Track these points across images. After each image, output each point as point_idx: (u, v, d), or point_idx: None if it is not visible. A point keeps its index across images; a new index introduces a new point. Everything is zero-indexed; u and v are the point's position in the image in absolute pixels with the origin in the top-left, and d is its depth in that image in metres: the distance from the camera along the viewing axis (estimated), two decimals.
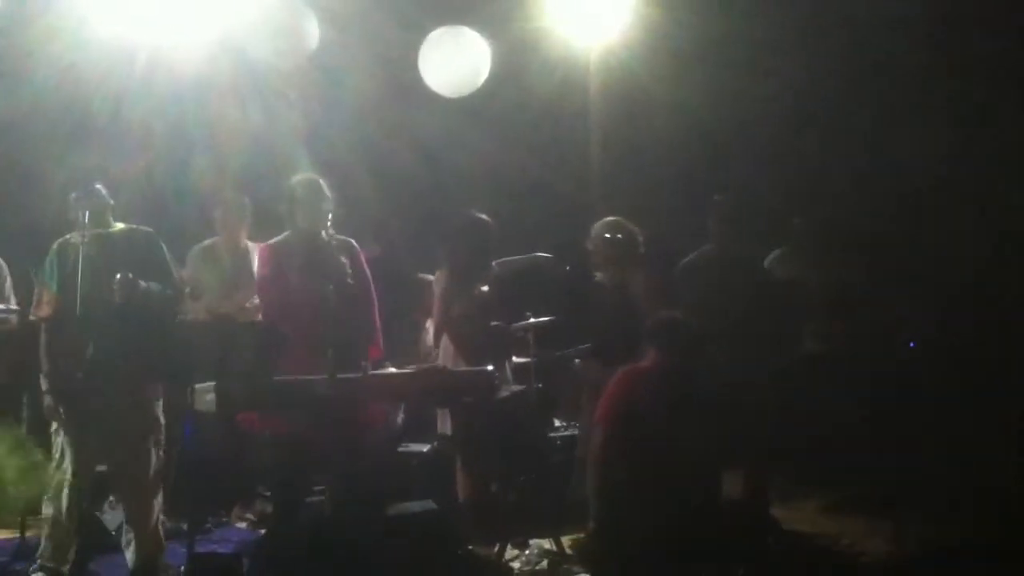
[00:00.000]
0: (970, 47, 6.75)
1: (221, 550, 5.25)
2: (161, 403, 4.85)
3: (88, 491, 4.77)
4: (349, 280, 5.10)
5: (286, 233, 5.21)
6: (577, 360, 5.92)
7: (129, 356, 4.61)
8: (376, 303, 5.30)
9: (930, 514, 5.69)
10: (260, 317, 5.60)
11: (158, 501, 4.83)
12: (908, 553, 5.35)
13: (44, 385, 4.71)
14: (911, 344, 6.66)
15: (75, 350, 4.53)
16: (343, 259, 5.15)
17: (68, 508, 4.61)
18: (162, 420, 4.84)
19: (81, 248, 4.50)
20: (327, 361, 4.65)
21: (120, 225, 4.84)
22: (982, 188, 6.82)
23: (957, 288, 6.76)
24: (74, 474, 4.61)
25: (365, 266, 5.29)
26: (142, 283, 4.60)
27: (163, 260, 4.88)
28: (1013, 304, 6.65)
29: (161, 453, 4.83)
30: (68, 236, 4.75)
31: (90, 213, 4.61)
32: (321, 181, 5.19)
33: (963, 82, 6.84)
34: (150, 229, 4.93)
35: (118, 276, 4.48)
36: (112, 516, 5.22)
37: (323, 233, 5.11)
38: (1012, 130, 6.70)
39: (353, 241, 5.29)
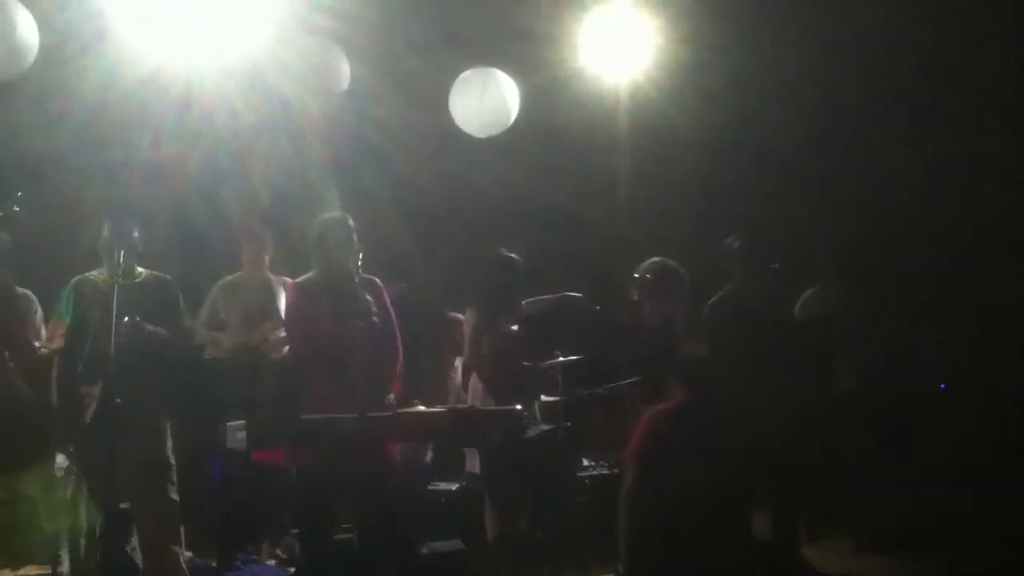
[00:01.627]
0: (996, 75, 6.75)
1: None
2: (170, 445, 4.85)
3: (112, 528, 4.75)
4: (375, 319, 5.11)
5: (314, 271, 5.23)
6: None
7: (136, 399, 4.58)
8: (400, 341, 5.32)
9: (960, 553, 5.63)
10: (285, 350, 5.64)
11: (178, 544, 4.82)
12: None
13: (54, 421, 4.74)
14: (942, 386, 6.61)
15: (83, 391, 4.58)
16: (368, 297, 5.14)
17: (86, 547, 4.64)
18: (172, 461, 4.84)
19: (116, 290, 4.51)
20: (353, 399, 4.69)
21: (143, 272, 4.87)
22: (1010, 214, 6.77)
23: (981, 320, 6.71)
24: (88, 512, 4.64)
25: (389, 304, 5.30)
26: (148, 327, 4.63)
27: (175, 308, 4.92)
28: None
29: (175, 496, 4.82)
30: (90, 273, 4.81)
31: (124, 254, 4.66)
32: (350, 220, 5.19)
33: (986, 107, 6.82)
34: (168, 277, 4.97)
35: (125, 319, 4.49)
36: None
37: (353, 272, 5.12)
38: None
39: (377, 279, 5.29)
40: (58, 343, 4.81)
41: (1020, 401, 6.42)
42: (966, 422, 6.35)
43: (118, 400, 4.46)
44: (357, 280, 5.06)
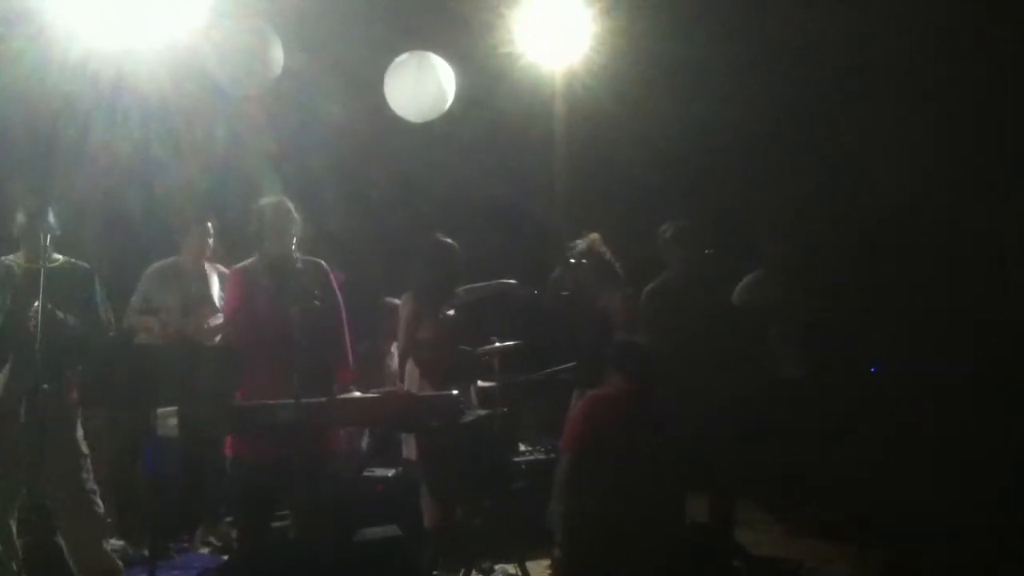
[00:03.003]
0: (943, 68, 6.84)
1: None
2: (81, 434, 4.77)
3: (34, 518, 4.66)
4: (316, 303, 5.08)
5: (254, 256, 5.19)
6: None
7: (43, 386, 4.46)
8: (347, 325, 5.28)
9: (894, 539, 5.73)
10: (218, 338, 5.59)
11: (101, 533, 4.77)
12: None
13: None
14: (873, 369, 6.72)
15: None
16: (311, 281, 5.14)
17: (4, 538, 4.56)
18: (86, 451, 4.76)
19: (43, 273, 4.43)
20: (292, 385, 4.64)
21: (59, 258, 4.79)
22: (956, 211, 6.88)
23: (927, 311, 6.82)
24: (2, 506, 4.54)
25: (336, 288, 5.27)
26: (59, 314, 4.56)
27: (91, 298, 4.86)
28: (986, 328, 6.70)
29: (93, 485, 4.75)
30: (5, 257, 4.74)
31: (48, 238, 4.57)
32: (289, 204, 5.16)
33: (934, 101, 6.92)
34: (86, 265, 4.91)
35: (35, 304, 4.41)
36: None
37: (291, 256, 5.10)
38: (989, 150, 6.78)
39: (323, 262, 5.27)
40: None
41: (955, 385, 6.54)
42: (901, 407, 6.46)
43: (44, 386, 4.38)
44: (297, 264, 5.06)
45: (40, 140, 6.07)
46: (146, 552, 4.97)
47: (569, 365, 5.79)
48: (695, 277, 5.84)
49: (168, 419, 4.76)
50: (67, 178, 5.69)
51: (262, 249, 5.13)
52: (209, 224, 6.17)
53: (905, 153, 6.91)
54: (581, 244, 5.81)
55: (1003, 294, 6.70)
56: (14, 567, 4.57)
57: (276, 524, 5.33)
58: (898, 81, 6.99)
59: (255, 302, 5.07)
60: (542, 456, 6.13)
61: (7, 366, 4.51)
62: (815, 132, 7.23)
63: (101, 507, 4.77)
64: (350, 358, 5.28)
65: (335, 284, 5.27)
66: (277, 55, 6.18)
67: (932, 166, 6.86)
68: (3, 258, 4.74)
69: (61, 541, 4.79)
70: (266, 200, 5.20)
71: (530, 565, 5.34)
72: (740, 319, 6.05)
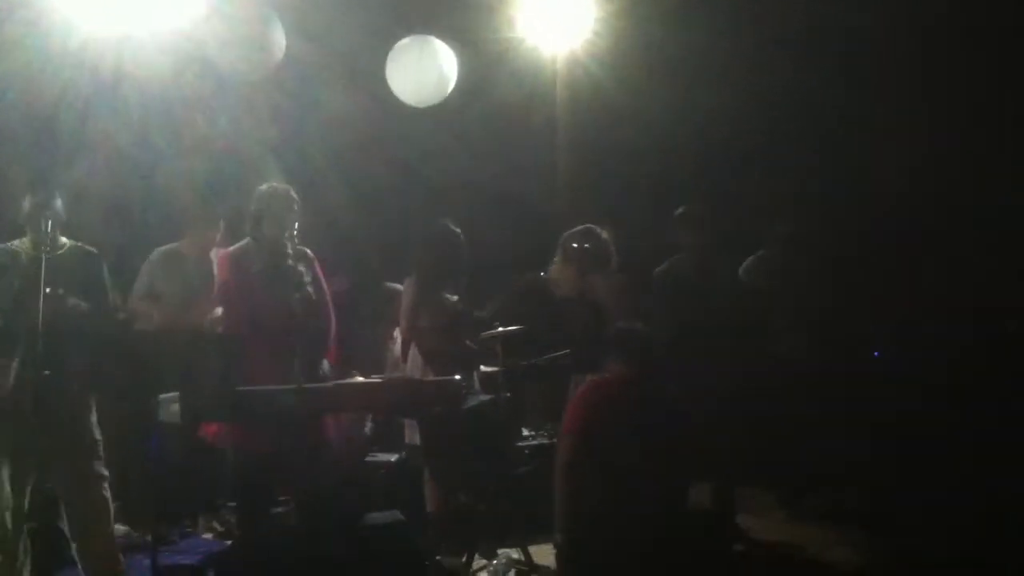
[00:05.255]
0: (942, 60, 6.82)
1: (186, 561, 5.22)
2: (95, 420, 4.76)
3: (40, 506, 4.69)
4: (308, 288, 5.11)
5: (247, 240, 5.17)
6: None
7: (57, 374, 4.49)
8: (332, 311, 5.30)
9: (897, 524, 5.73)
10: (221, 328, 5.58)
11: (108, 521, 4.74)
12: (874, 563, 5.39)
13: None
14: (875, 354, 6.71)
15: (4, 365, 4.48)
16: (301, 268, 5.16)
17: (13, 525, 4.52)
18: (98, 437, 4.75)
19: (44, 260, 4.45)
20: (291, 371, 4.65)
21: (66, 243, 4.76)
22: (955, 201, 6.87)
23: (926, 300, 6.81)
24: (13, 492, 4.51)
25: (321, 276, 5.28)
26: (71, 301, 4.54)
27: (100, 283, 4.81)
28: (983, 316, 6.70)
29: (103, 471, 4.74)
30: (11, 243, 4.69)
31: (51, 224, 4.57)
32: (292, 191, 5.16)
33: (933, 92, 6.90)
34: (93, 250, 4.86)
35: (47, 291, 4.41)
36: None
37: (286, 243, 5.10)
38: (987, 140, 6.77)
39: (308, 251, 5.27)
40: None
41: (954, 369, 6.54)
42: (901, 391, 6.45)
43: (47, 373, 4.39)
44: (291, 251, 5.07)
45: (41, 127, 6.09)
46: (148, 538, 4.95)
47: (563, 352, 5.79)
48: (703, 261, 5.85)
49: (171, 405, 4.75)
50: (68, 164, 5.69)
51: (257, 233, 5.12)
52: (217, 211, 6.15)
53: (911, 138, 6.88)
54: (577, 229, 5.81)
55: (1005, 282, 6.69)
56: (21, 552, 4.56)
57: (277, 509, 5.36)
58: (903, 66, 6.96)
59: (249, 287, 5.07)
60: (545, 441, 6.13)
61: (19, 354, 4.48)
62: (819, 117, 7.20)
63: (108, 493, 4.76)
64: (333, 347, 5.33)
65: (320, 272, 5.29)
66: (279, 40, 6.15)
67: (937, 153, 6.84)
68: (9, 244, 4.71)
69: (64, 527, 4.83)
70: (270, 185, 5.19)
71: (533, 550, 5.36)
72: (746, 304, 6.03)
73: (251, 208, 5.15)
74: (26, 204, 4.67)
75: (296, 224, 5.13)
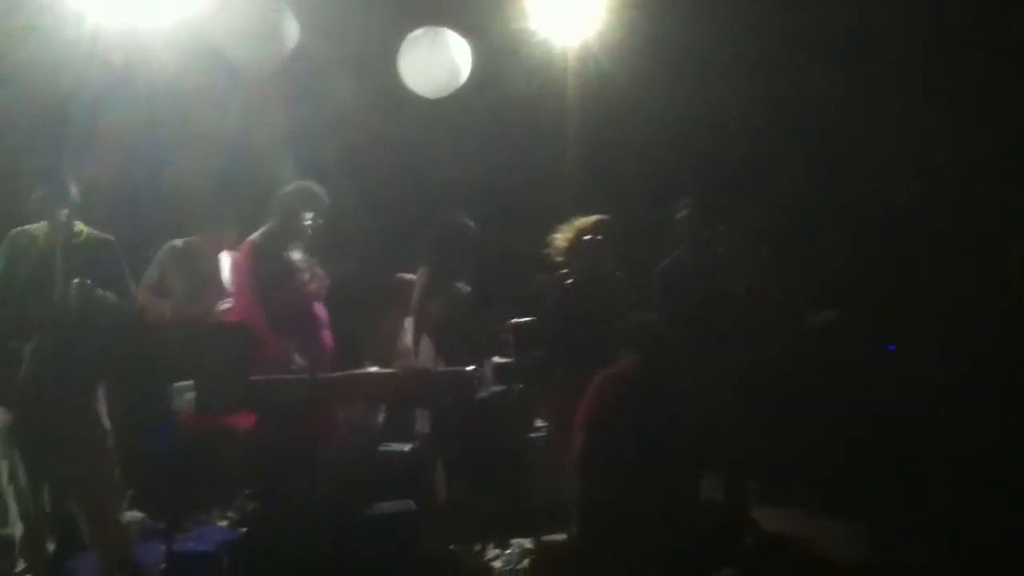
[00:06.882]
0: (952, 57, 6.80)
1: (201, 548, 5.19)
2: (106, 408, 4.71)
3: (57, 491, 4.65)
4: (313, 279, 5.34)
5: (263, 231, 5.23)
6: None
7: (74, 364, 4.48)
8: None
9: (909, 518, 5.71)
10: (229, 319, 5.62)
11: (118, 509, 4.70)
12: (886, 557, 5.38)
13: None
14: (891, 348, 6.70)
15: (16, 350, 4.46)
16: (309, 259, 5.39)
17: (36, 508, 4.52)
18: (107, 425, 4.69)
19: (59, 249, 4.42)
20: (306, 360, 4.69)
21: (83, 231, 4.73)
22: (965, 195, 6.86)
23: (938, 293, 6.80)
24: (30, 472, 4.50)
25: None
26: (98, 291, 4.50)
27: (121, 271, 4.77)
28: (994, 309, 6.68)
29: (112, 462, 4.67)
30: (30, 226, 4.65)
31: (67, 213, 4.56)
32: (323, 193, 5.43)
33: (944, 88, 6.88)
34: (111, 238, 4.81)
35: (75, 282, 4.39)
36: None
37: (304, 235, 5.21)
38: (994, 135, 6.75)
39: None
40: None
41: (961, 364, 6.52)
42: (915, 385, 6.44)
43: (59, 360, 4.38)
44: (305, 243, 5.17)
45: (53, 118, 6.08)
46: (163, 525, 4.95)
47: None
48: (702, 258, 5.83)
49: (184, 393, 4.74)
50: (80, 156, 5.67)
51: (282, 227, 5.28)
52: (229, 209, 6.15)
53: (913, 134, 6.86)
54: (580, 221, 5.81)
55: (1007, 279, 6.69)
56: (46, 537, 4.56)
57: (291, 497, 5.35)
58: (914, 59, 6.94)
59: (271, 278, 5.13)
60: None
61: (35, 341, 4.47)
62: (832, 109, 7.17)
63: (116, 482, 4.74)
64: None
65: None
66: (290, 32, 6.14)
67: (937, 147, 6.83)
68: (28, 228, 4.69)
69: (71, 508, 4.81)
70: (305, 184, 5.49)
71: (545, 539, 5.35)
72: (746, 300, 6.02)
73: (281, 201, 5.36)
74: (41, 192, 4.65)
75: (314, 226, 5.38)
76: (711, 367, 5.38)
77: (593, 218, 5.83)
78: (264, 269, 5.24)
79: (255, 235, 5.36)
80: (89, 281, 4.43)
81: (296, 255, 5.39)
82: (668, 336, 5.08)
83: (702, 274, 5.78)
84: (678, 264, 5.91)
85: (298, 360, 5.20)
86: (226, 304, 5.77)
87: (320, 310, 5.54)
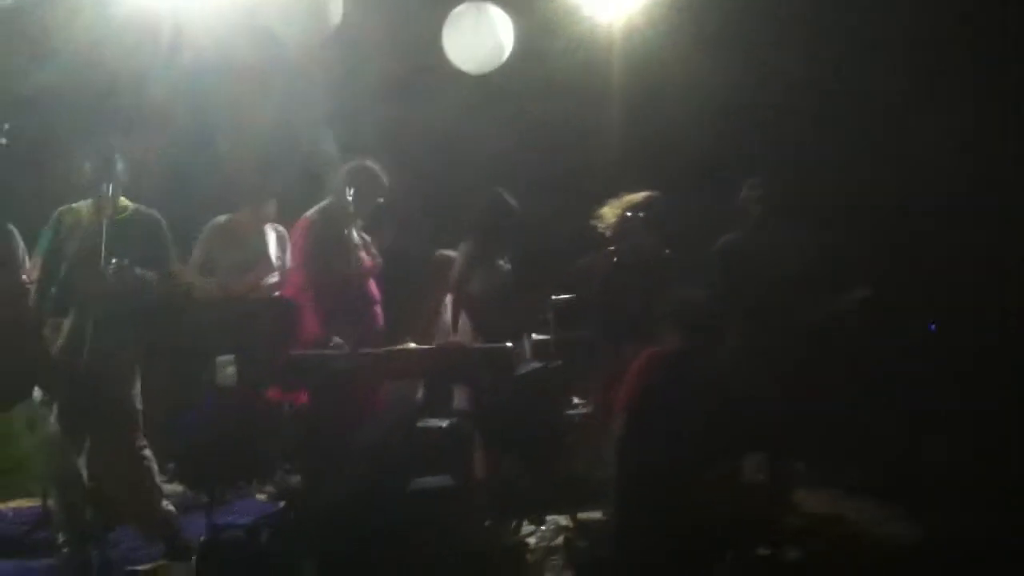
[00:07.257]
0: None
1: (240, 522, 5.27)
2: (139, 388, 4.75)
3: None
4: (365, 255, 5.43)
5: (321, 208, 5.30)
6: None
7: (111, 343, 4.52)
8: None
9: (952, 499, 5.65)
10: (276, 294, 5.66)
11: (152, 483, 4.74)
12: (928, 538, 5.32)
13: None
14: (931, 327, 6.61)
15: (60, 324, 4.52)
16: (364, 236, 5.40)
17: (71, 482, 4.54)
18: (139, 406, 4.73)
19: (104, 225, 4.45)
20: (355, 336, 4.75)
21: (128, 206, 4.77)
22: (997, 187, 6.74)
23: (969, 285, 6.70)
24: (65, 448, 4.52)
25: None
26: (136, 271, 4.54)
27: (165, 247, 4.81)
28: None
29: (143, 442, 4.72)
30: (76, 204, 4.71)
31: (113, 188, 4.60)
32: (383, 173, 5.58)
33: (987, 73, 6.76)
34: (156, 214, 4.86)
35: (113, 261, 4.42)
36: None
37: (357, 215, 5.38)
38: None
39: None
40: (34, 275, 4.73)
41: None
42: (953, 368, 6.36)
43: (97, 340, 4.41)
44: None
45: (102, 93, 6.16)
46: (204, 498, 5.02)
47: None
48: (765, 235, 5.77)
49: (226, 367, 4.79)
50: (127, 132, 5.74)
51: (337, 205, 5.36)
52: (272, 184, 6.19)
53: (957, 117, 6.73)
54: (628, 198, 5.77)
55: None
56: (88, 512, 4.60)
57: (332, 472, 5.40)
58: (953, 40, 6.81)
59: (333, 255, 5.21)
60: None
61: (72, 317, 4.53)
62: (878, 83, 7.04)
63: (151, 459, 4.77)
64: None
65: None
66: (335, 7, 6.15)
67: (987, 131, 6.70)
68: (74, 205, 4.75)
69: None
70: (366, 163, 5.63)
71: (582, 517, 5.36)
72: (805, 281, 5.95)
73: (341, 179, 5.44)
74: (88, 168, 4.70)
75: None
76: (758, 345, 5.34)
77: (642, 194, 5.79)
78: (321, 247, 5.28)
79: (311, 212, 5.41)
80: (127, 261, 4.47)
81: (353, 233, 5.40)
82: (713, 315, 5.03)
83: (767, 252, 5.70)
84: (742, 241, 5.82)
85: (336, 339, 5.24)
86: (274, 278, 5.82)
87: (373, 288, 5.58)
